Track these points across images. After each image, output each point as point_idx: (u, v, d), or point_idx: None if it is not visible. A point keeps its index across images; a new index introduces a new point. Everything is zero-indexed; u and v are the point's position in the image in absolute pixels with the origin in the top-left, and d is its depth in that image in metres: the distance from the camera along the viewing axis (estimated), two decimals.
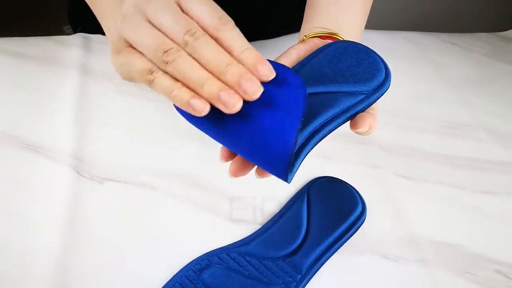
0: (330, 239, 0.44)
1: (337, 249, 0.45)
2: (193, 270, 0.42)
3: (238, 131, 0.29)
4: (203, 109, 0.27)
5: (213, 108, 0.27)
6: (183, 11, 0.29)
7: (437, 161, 0.56)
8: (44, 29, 0.65)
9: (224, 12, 0.29)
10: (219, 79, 0.27)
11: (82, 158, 0.50)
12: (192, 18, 0.29)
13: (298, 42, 0.42)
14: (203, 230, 0.46)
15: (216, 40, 0.28)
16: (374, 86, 0.36)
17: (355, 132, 0.36)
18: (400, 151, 0.57)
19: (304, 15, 0.46)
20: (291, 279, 0.42)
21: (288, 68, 0.31)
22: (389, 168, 0.55)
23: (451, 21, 1.14)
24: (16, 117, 0.53)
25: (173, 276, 0.41)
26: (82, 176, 0.49)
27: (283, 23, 0.68)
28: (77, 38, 0.64)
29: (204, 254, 0.43)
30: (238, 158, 0.32)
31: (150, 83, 0.29)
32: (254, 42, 0.66)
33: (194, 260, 0.43)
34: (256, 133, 0.29)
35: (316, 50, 0.38)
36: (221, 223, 0.47)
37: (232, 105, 0.26)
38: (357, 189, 0.49)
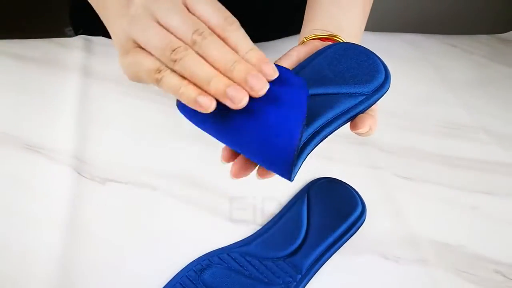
0: (330, 240, 0.45)
1: (337, 250, 0.45)
2: (194, 270, 0.42)
3: (243, 128, 0.29)
4: (209, 106, 0.27)
5: (218, 106, 0.28)
6: (189, 11, 0.30)
7: (436, 162, 0.57)
8: (46, 31, 0.66)
9: (230, 13, 0.30)
10: (226, 76, 0.28)
11: (83, 159, 0.50)
12: (198, 18, 0.29)
13: (298, 44, 0.42)
14: (203, 230, 0.46)
15: (222, 40, 0.29)
16: (374, 88, 0.36)
17: (355, 133, 0.36)
18: (400, 152, 0.57)
19: (304, 16, 0.46)
20: (291, 279, 0.42)
21: (290, 70, 0.32)
22: (389, 169, 0.55)
23: (450, 23, 1.14)
24: (17, 118, 0.53)
25: (174, 276, 0.42)
26: (83, 176, 0.49)
27: (283, 25, 0.68)
28: (79, 40, 0.64)
29: (204, 254, 0.43)
30: (239, 159, 0.33)
31: (158, 82, 0.30)
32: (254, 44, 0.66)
33: (195, 260, 0.43)
34: (261, 129, 0.29)
35: (316, 52, 0.38)
36: (221, 223, 0.47)
37: (239, 100, 0.27)
38: (357, 189, 0.50)
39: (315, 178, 0.51)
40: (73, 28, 0.71)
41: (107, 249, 0.44)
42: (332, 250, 0.45)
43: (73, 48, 0.63)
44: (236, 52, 0.29)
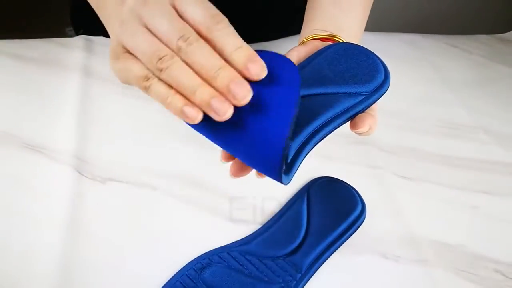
0: (330, 239, 0.45)
1: (337, 249, 0.45)
2: (194, 269, 0.42)
3: (230, 135, 0.29)
4: (196, 117, 0.27)
5: None
6: (178, 13, 0.29)
7: (436, 162, 0.57)
8: (46, 31, 0.66)
9: (218, 11, 0.29)
10: (210, 85, 0.27)
11: (84, 159, 0.50)
12: (187, 19, 0.29)
13: (299, 44, 0.42)
14: (203, 230, 0.46)
15: (209, 41, 0.28)
16: (373, 87, 0.36)
17: (355, 133, 0.36)
18: (399, 152, 0.57)
19: (305, 16, 0.46)
20: (291, 278, 0.42)
21: (282, 57, 0.30)
22: (389, 168, 0.55)
23: (450, 23, 1.14)
24: (18, 118, 0.54)
25: (174, 275, 0.42)
26: (84, 176, 0.49)
27: (283, 25, 0.68)
28: (79, 40, 0.64)
29: (204, 253, 0.43)
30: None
31: (146, 89, 0.29)
32: (254, 44, 0.66)
33: (195, 259, 0.43)
34: (247, 139, 0.29)
35: (316, 52, 0.38)
36: (221, 223, 0.47)
37: (223, 112, 0.27)
38: (356, 189, 0.50)
39: (315, 177, 0.51)
40: (73, 28, 0.71)
41: (107, 248, 0.44)
42: (332, 249, 0.45)
43: (73, 48, 0.63)
44: (223, 52, 0.28)
